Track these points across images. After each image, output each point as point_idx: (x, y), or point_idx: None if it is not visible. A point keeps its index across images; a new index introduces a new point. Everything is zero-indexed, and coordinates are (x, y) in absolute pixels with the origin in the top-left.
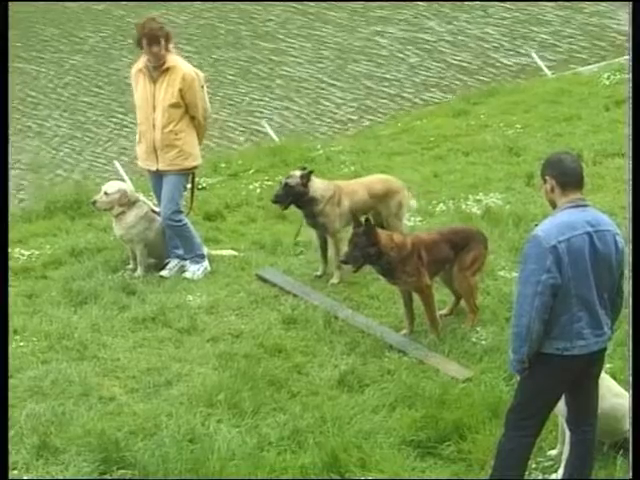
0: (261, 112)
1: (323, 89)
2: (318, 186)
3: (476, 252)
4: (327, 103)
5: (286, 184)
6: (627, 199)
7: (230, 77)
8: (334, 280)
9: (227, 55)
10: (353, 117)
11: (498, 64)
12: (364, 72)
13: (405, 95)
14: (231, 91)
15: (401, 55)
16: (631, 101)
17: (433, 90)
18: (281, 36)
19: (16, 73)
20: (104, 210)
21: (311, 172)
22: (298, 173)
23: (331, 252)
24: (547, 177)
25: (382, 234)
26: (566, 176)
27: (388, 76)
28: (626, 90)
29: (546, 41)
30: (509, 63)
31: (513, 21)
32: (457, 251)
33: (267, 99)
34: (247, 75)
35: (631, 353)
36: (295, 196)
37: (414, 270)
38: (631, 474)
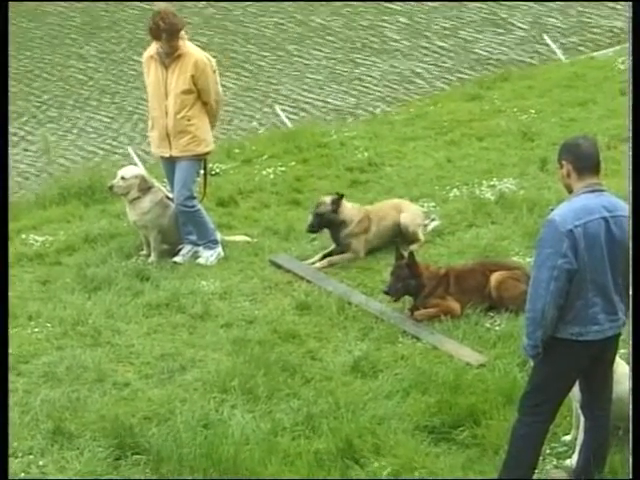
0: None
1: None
2: (348, 210)
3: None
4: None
5: (317, 214)
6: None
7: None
8: (318, 265)
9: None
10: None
11: (512, 48)
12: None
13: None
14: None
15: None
16: (631, 103)
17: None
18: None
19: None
20: (120, 195)
21: (342, 196)
22: (329, 199)
23: (338, 257)
24: (563, 162)
25: (422, 266)
26: (582, 161)
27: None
28: (627, 88)
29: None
30: (523, 47)
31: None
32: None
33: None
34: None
35: (631, 351)
36: (327, 222)
37: (439, 296)
38: (631, 474)
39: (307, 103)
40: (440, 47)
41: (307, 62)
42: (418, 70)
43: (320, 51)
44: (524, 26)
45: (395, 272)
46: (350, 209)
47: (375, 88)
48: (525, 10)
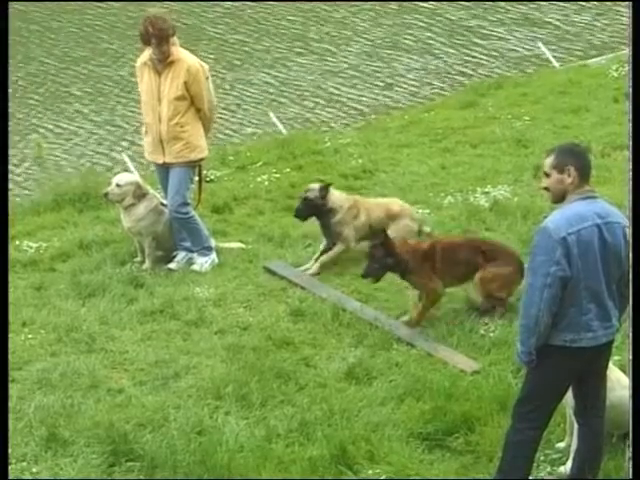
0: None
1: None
2: (337, 197)
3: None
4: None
5: (305, 198)
6: (628, 197)
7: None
8: (311, 270)
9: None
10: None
11: (505, 55)
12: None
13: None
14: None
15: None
16: (631, 105)
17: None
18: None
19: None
20: (115, 202)
21: (329, 184)
22: (317, 186)
23: (328, 255)
24: (570, 167)
25: (397, 242)
26: (586, 168)
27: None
28: (628, 87)
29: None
30: (516, 54)
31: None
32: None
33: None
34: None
35: (631, 353)
36: (315, 208)
37: (425, 274)
38: (631, 474)
39: (349, 99)
40: (475, 44)
41: (341, 59)
42: (454, 67)
43: (353, 48)
44: (558, 24)
45: (370, 253)
46: (338, 196)
47: (410, 83)
48: (556, 9)
